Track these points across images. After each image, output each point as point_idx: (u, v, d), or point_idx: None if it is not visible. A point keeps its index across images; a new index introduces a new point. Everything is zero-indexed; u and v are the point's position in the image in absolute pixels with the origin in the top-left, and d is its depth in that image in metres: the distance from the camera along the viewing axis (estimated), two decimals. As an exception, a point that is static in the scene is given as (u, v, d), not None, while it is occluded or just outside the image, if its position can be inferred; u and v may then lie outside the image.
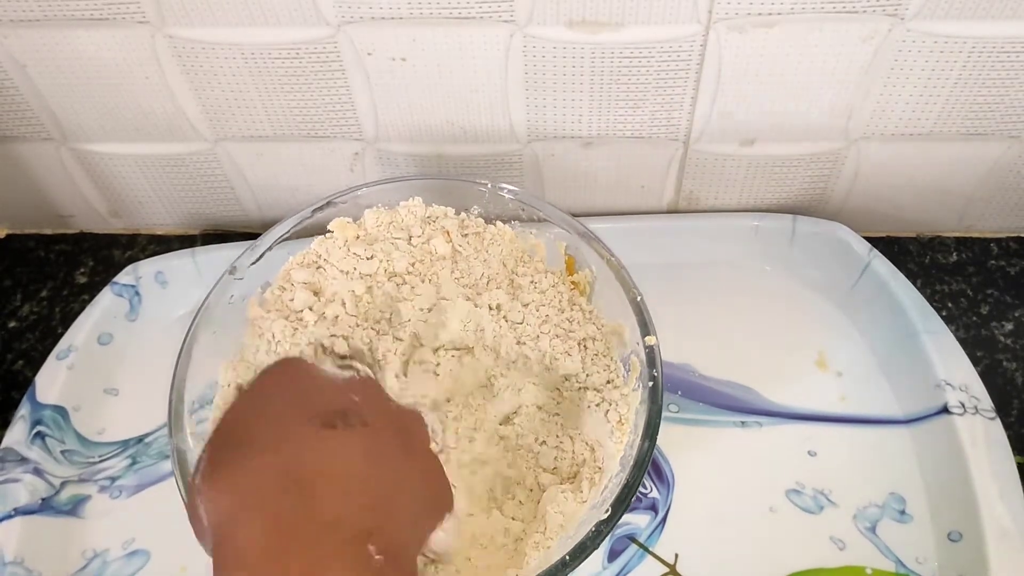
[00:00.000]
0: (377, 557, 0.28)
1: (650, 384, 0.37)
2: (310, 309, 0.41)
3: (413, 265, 0.43)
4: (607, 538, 0.33)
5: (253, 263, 0.41)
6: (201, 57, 0.46)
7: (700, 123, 0.49)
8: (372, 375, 0.38)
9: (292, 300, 0.41)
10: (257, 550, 0.27)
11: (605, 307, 0.42)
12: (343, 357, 0.40)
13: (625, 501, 0.34)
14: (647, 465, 0.35)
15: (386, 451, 0.33)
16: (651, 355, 0.38)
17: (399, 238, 0.43)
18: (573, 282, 0.43)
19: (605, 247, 0.41)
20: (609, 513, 0.33)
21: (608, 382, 0.40)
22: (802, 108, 0.48)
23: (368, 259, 0.42)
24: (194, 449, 0.36)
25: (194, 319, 0.39)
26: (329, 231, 0.43)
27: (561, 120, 0.49)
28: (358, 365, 0.38)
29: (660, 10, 0.43)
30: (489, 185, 0.43)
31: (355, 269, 0.42)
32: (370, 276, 0.42)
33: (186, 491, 0.34)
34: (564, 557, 0.32)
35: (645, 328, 0.38)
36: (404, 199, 0.44)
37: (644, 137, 0.50)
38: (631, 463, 0.35)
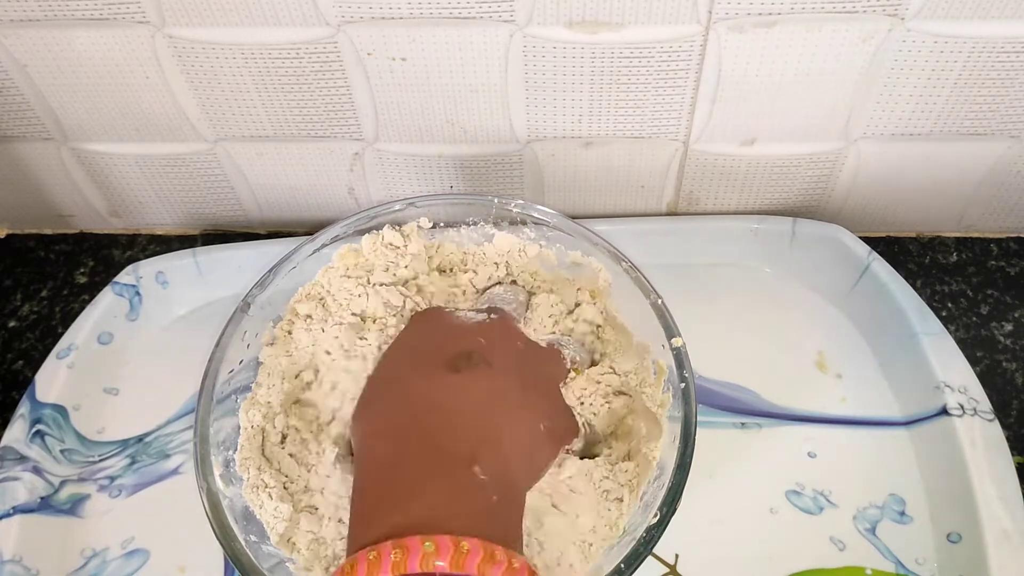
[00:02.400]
0: (482, 477, 0.31)
1: (682, 386, 0.36)
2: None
3: (416, 277, 0.43)
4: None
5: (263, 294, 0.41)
6: (201, 57, 0.46)
7: (700, 123, 0.49)
8: (512, 316, 0.41)
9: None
10: (378, 465, 0.33)
11: (623, 313, 0.42)
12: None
13: (673, 504, 0.33)
14: (689, 467, 0.34)
15: (504, 389, 0.36)
16: (679, 357, 0.37)
17: (394, 260, 0.43)
18: (591, 292, 0.43)
19: (619, 253, 0.41)
20: (659, 517, 0.33)
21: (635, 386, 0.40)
22: (802, 108, 0.48)
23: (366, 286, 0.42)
24: (224, 491, 0.35)
25: (210, 359, 0.38)
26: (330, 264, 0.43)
27: (561, 120, 0.49)
28: (496, 308, 0.41)
29: (660, 10, 0.43)
30: (496, 200, 0.43)
31: (356, 296, 0.42)
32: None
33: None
34: (619, 565, 0.32)
35: (670, 331, 0.38)
36: (416, 217, 0.44)
37: (644, 137, 0.50)
38: (673, 466, 0.34)
